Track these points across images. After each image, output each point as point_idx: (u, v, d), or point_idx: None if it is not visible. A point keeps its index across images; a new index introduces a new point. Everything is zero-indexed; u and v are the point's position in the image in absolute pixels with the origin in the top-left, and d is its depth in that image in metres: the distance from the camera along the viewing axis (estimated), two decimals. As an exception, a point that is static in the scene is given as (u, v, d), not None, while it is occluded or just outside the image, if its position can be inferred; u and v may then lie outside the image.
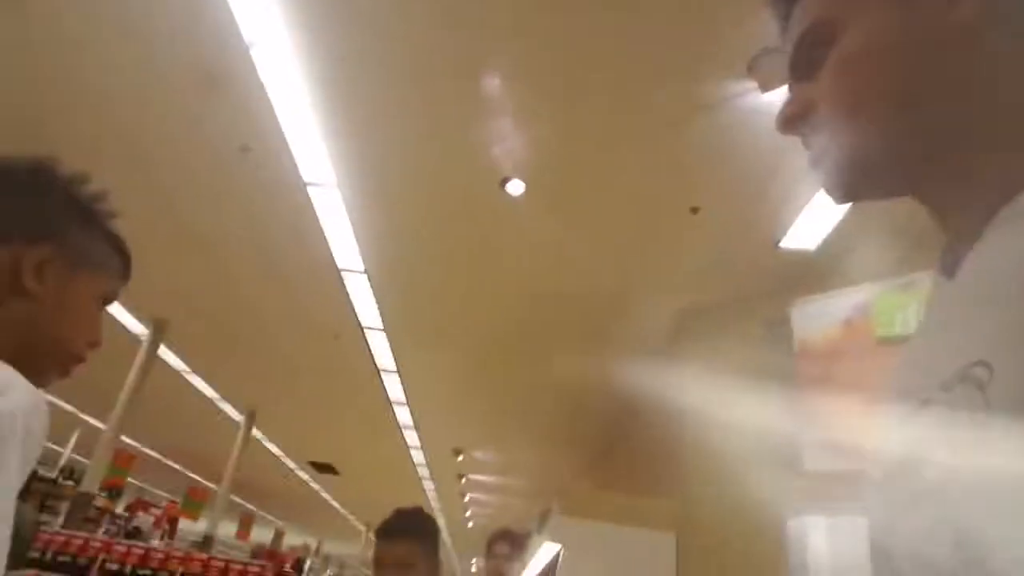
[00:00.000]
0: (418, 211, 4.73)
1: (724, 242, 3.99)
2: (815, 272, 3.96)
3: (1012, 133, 0.46)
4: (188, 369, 8.83)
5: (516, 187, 4.05)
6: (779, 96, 2.93)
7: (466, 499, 15.39)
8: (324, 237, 5.10)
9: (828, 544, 4.24)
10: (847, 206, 3.33)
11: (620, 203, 3.98)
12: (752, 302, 4.25)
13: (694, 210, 3.71)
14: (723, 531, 3.73)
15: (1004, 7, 0.48)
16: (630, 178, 3.72)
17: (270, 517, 21.58)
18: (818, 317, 3.73)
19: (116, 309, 7.04)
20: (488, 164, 3.86)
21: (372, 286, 5.80)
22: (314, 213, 4.80)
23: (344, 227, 4.97)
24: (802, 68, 0.54)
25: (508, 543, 2.41)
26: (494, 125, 3.60)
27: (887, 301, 3.54)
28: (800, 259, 3.86)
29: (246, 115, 3.88)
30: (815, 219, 3.47)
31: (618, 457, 8.12)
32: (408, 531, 1.43)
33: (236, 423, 10.66)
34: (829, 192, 0.54)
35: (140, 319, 7.35)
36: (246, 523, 16.84)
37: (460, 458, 11.21)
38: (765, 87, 2.89)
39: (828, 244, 3.68)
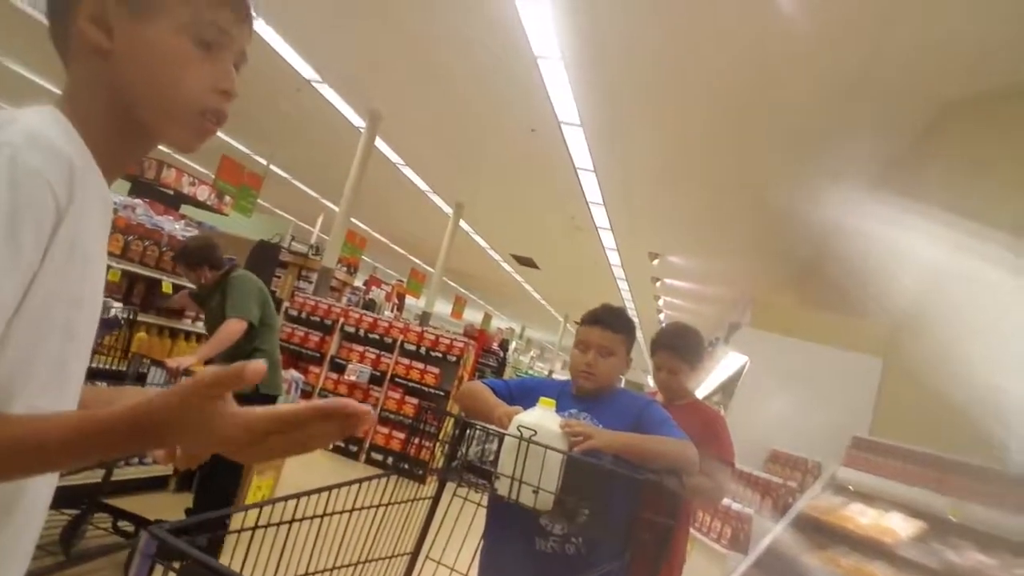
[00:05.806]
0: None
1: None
2: None
3: None
4: (402, 162, 9.50)
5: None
6: None
7: (659, 302, 15.67)
8: (521, 26, 4.87)
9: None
10: None
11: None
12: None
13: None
14: (934, 363, 3.34)
15: None
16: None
17: (480, 301, 24.03)
18: None
19: (338, 101, 7.62)
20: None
21: (569, 78, 5.54)
22: (514, 4, 4.61)
23: (543, 15, 4.70)
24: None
25: (670, 353, 2.03)
26: None
27: None
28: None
29: None
30: None
31: (820, 275, 7.51)
32: (613, 323, 1.61)
33: (446, 214, 11.56)
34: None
35: (358, 111, 7.90)
36: (459, 304, 18.94)
37: (655, 262, 11.22)
38: None
39: None
